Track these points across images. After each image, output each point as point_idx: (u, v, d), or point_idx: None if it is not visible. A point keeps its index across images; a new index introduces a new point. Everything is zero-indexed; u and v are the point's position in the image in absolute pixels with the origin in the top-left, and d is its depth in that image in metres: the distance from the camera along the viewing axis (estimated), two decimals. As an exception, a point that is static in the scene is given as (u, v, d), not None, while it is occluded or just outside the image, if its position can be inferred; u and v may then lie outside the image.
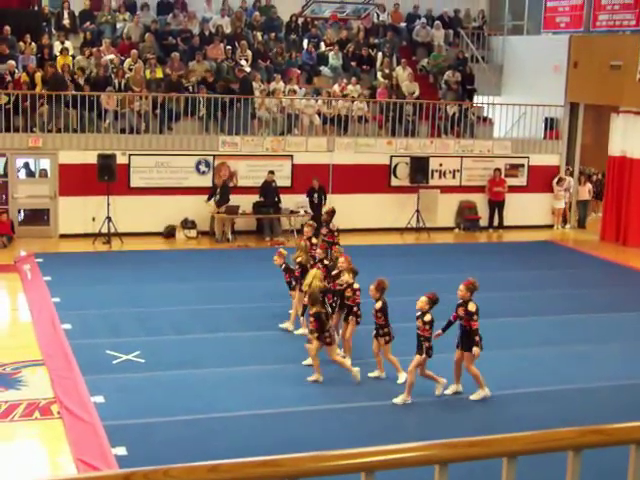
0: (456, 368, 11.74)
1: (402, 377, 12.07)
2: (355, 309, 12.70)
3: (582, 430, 2.55)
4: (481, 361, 12.45)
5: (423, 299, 11.44)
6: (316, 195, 22.48)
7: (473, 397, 11.68)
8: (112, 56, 23.50)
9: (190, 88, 23.19)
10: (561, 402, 11.81)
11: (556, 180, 25.23)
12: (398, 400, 11.50)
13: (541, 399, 11.94)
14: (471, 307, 11.45)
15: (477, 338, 11.38)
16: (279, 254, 14.35)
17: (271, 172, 22.30)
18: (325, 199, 22.50)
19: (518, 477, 2.62)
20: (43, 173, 22.03)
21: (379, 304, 12.15)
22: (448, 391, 11.80)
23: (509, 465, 2.52)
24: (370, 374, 12.41)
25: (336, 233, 17.13)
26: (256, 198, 22.34)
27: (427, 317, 11.35)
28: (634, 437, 2.56)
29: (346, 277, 12.72)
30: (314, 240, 15.87)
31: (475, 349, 11.36)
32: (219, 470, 2.32)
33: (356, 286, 12.72)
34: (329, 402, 11.63)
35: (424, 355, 11.36)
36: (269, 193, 22.31)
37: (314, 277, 12.94)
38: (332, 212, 18.01)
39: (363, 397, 11.81)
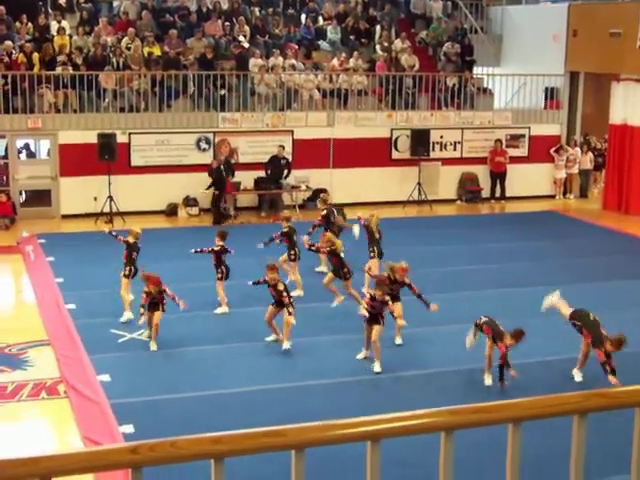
0: None
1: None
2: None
3: (587, 394, 2.55)
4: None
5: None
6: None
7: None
8: (109, 38, 23.36)
9: (188, 66, 23.08)
10: (568, 371, 11.81)
11: (554, 149, 25.18)
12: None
13: (549, 368, 11.96)
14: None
15: None
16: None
17: (281, 147, 22.27)
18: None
19: (524, 444, 2.62)
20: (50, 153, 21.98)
21: None
22: None
23: (514, 431, 2.52)
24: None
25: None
26: (258, 174, 22.32)
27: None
28: (639, 400, 2.56)
29: None
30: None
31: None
32: (224, 441, 2.32)
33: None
34: (335, 376, 11.66)
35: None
36: (276, 167, 22.23)
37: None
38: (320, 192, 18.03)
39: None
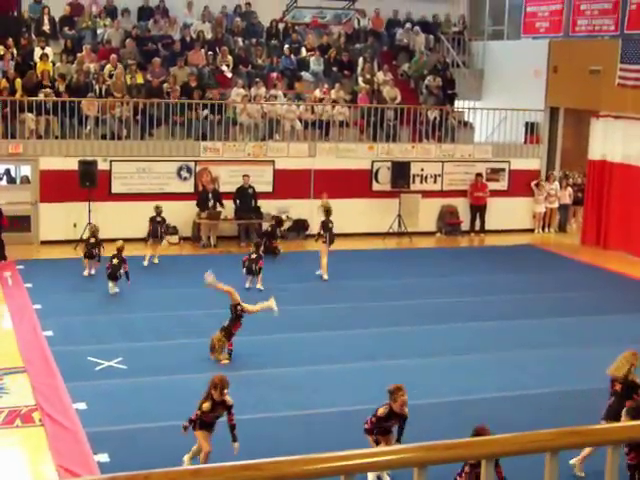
0: None
1: None
2: None
3: (559, 432, 2.57)
4: (465, 365, 12.48)
5: None
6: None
7: None
8: (92, 65, 23.39)
9: (169, 94, 23.12)
10: (543, 406, 11.85)
11: (534, 183, 25.35)
12: None
13: (524, 403, 11.98)
14: None
15: None
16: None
17: (246, 176, 22.24)
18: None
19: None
20: (25, 179, 21.94)
21: None
22: None
23: (488, 467, 2.55)
24: None
25: None
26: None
27: None
28: (610, 438, 2.59)
29: None
30: None
31: None
32: (201, 474, 2.33)
33: None
34: (314, 407, 11.64)
35: None
36: (244, 197, 22.24)
37: None
38: None
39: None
